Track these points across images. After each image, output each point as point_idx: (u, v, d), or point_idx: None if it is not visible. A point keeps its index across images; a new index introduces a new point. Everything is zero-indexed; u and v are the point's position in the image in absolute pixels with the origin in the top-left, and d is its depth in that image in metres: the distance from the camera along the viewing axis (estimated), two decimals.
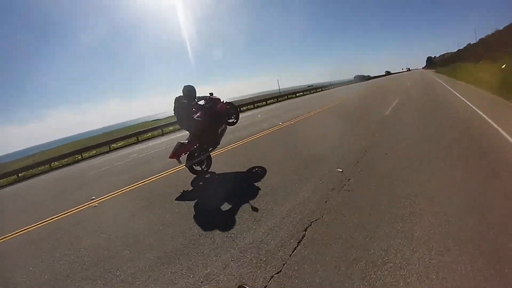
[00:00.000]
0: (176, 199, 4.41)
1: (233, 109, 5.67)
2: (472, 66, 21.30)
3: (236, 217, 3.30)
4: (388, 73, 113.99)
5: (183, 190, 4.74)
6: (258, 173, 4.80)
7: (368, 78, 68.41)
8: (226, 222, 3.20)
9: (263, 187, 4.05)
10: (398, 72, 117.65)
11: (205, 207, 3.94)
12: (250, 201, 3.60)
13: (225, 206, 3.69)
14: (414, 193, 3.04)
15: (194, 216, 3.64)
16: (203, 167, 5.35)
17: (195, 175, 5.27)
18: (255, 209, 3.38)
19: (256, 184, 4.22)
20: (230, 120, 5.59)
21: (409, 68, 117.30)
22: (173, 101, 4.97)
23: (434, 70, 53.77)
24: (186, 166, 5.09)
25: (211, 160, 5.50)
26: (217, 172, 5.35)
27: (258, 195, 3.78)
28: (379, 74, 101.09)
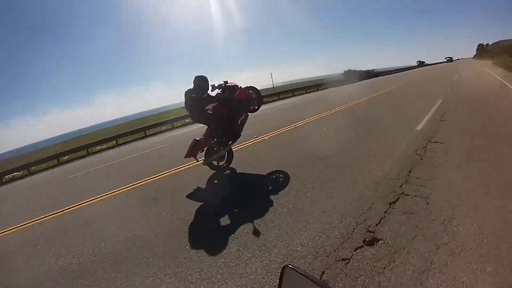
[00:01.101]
0: (186, 196, 4.08)
1: (256, 94, 4.86)
2: None
3: (233, 239, 2.68)
4: (421, 64, 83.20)
5: (197, 187, 4.38)
6: (278, 180, 4.02)
7: (374, 74, 40.24)
8: (219, 243, 2.64)
9: (279, 202, 3.27)
10: (435, 64, 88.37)
11: (207, 214, 3.45)
12: (256, 220, 2.91)
13: (228, 218, 3.14)
14: None
15: (191, 225, 3.17)
16: (223, 162, 4.84)
17: (214, 171, 4.82)
18: (256, 233, 2.69)
19: (272, 196, 3.45)
20: (251, 107, 4.84)
21: (450, 58, 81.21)
22: (184, 95, 4.44)
23: (491, 62, 35.65)
24: (204, 164, 4.62)
25: (232, 154, 4.93)
26: (237, 170, 4.78)
27: (268, 212, 3.05)
28: (404, 66, 64.63)
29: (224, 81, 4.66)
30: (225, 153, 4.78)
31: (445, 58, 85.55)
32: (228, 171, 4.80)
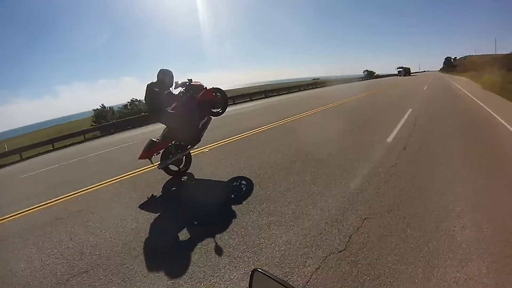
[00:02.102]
0: (139, 206, 3.67)
1: (222, 97, 4.64)
2: None
3: (191, 258, 2.45)
4: (369, 74, 61.43)
5: (152, 195, 3.99)
6: (240, 187, 3.89)
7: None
8: (175, 263, 2.40)
9: (242, 211, 3.14)
10: (386, 76, 62.82)
11: (163, 227, 3.14)
12: (218, 235, 2.73)
13: (186, 233, 2.89)
14: None
15: (145, 242, 2.82)
16: (180, 167, 4.50)
17: (171, 176, 4.45)
18: (219, 251, 2.52)
19: (234, 206, 3.31)
20: (215, 110, 4.61)
21: (404, 70, 57.61)
22: (145, 88, 4.02)
23: (465, 78, 31.12)
24: (159, 168, 4.22)
25: (190, 159, 4.63)
26: (195, 176, 4.50)
27: (231, 225, 2.89)
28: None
29: (188, 79, 4.33)
30: (183, 158, 4.45)
31: (397, 69, 60.20)
32: (185, 177, 4.49)
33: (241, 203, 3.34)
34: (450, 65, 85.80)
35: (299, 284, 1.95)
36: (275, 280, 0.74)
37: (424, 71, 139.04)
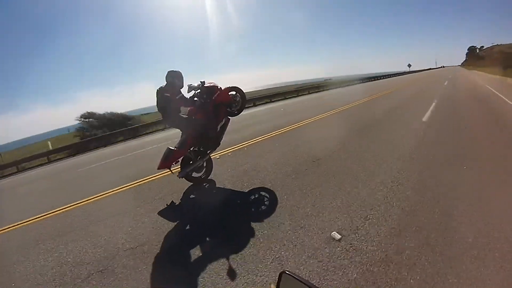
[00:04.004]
0: (158, 213, 3.57)
1: (239, 96, 4.35)
2: None
3: (200, 280, 2.18)
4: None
5: (171, 202, 3.86)
6: (262, 200, 3.54)
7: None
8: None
9: (262, 231, 2.78)
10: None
11: (177, 241, 2.92)
12: (232, 256, 2.43)
13: (200, 249, 2.64)
14: None
15: (156, 256, 2.64)
16: (201, 173, 4.32)
17: (192, 183, 4.29)
18: (232, 274, 2.22)
19: (253, 224, 2.93)
20: (231, 110, 4.34)
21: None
22: (155, 94, 3.91)
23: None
24: (180, 177, 4.06)
25: (211, 164, 4.41)
26: (216, 184, 4.27)
27: (247, 246, 2.56)
28: None
29: (201, 81, 4.12)
30: (203, 164, 4.26)
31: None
32: (207, 184, 4.29)
33: (263, 220, 2.97)
34: (474, 57, 68.12)
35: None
36: (303, 283, 0.74)
37: (440, 67, 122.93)
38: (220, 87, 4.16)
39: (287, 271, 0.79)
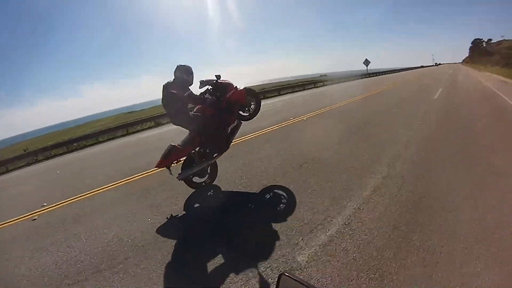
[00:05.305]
0: (156, 231, 2.95)
1: (254, 99, 3.93)
2: None
3: None
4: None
5: (171, 215, 3.25)
6: (277, 199, 3.12)
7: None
8: None
9: (285, 239, 2.31)
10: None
11: (181, 263, 2.37)
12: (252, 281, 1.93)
13: (210, 278, 2.11)
14: None
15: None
16: (204, 179, 3.75)
17: (194, 189, 3.71)
18: None
19: (272, 228, 2.49)
20: (244, 114, 3.89)
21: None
22: (161, 89, 3.37)
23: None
24: (180, 179, 3.50)
25: (216, 169, 3.86)
26: (222, 188, 3.72)
27: (267, 261, 2.08)
28: None
29: (216, 76, 3.60)
30: (208, 168, 3.69)
31: None
32: (211, 191, 3.72)
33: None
34: (480, 53, 51.51)
35: None
36: (302, 284, 0.74)
37: (436, 65, 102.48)
38: (236, 86, 3.69)
39: (286, 273, 0.78)
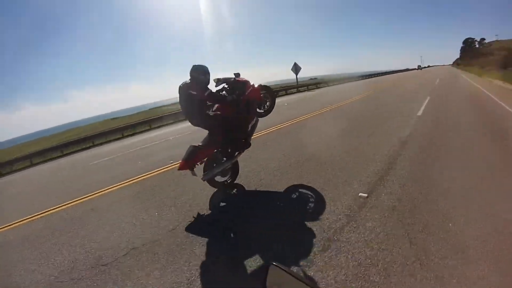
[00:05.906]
0: (186, 229, 3.01)
1: (269, 96, 3.95)
2: None
3: None
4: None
5: (198, 214, 3.32)
6: (304, 198, 3.16)
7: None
8: None
9: (321, 241, 2.35)
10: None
11: (213, 262, 2.41)
12: None
13: (239, 277, 2.15)
14: None
15: None
16: (226, 178, 3.82)
17: (216, 189, 3.79)
18: None
19: (304, 231, 2.51)
20: (260, 110, 3.92)
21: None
22: (178, 90, 3.44)
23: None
24: (204, 180, 3.57)
25: (238, 168, 3.92)
26: (246, 187, 3.79)
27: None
28: None
29: (235, 74, 3.63)
30: (230, 166, 3.77)
31: None
32: (235, 190, 3.79)
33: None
34: (472, 54, 49.90)
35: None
36: (291, 274, 0.74)
37: (424, 67, 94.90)
38: (252, 83, 3.72)
39: (274, 263, 0.78)
